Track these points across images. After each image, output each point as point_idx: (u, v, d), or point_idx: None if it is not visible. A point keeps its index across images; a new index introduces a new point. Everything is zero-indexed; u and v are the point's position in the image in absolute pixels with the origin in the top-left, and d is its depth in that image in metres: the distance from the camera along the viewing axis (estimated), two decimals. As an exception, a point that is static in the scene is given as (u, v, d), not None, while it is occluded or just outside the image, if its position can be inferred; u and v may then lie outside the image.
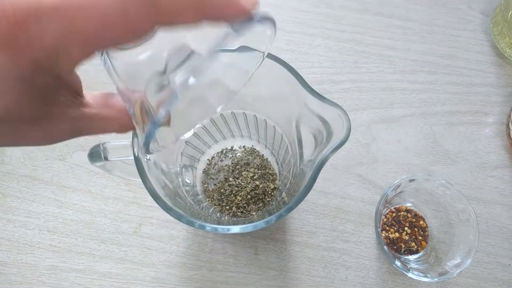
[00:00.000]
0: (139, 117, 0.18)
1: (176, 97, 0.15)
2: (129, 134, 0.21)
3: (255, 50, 0.19)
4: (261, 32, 0.17)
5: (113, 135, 0.19)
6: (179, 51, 0.16)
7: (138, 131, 0.19)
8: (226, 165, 0.40)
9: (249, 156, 0.40)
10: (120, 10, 0.13)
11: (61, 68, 0.15)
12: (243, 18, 0.15)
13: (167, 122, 0.19)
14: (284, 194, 0.36)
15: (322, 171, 0.26)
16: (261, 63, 0.20)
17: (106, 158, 0.29)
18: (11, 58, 0.13)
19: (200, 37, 0.16)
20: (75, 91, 0.17)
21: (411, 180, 0.37)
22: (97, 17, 0.13)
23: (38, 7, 0.13)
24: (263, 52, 0.19)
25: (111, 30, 0.14)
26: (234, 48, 0.19)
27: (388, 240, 0.38)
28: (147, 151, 0.18)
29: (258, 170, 0.39)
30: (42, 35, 0.13)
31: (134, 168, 0.26)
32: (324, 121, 0.27)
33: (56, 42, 0.13)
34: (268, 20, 0.16)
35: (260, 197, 0.38)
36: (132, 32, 0.14)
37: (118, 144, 0.29)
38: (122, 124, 0.19)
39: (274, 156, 0.40)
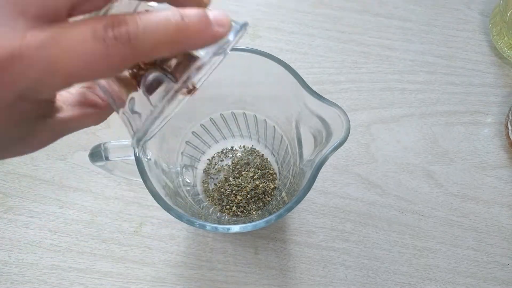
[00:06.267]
0: (128, 112, 0.18)
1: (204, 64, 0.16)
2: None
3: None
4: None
5: (113, 134, 0.20)
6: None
7: (126, 122, 0.19)
8: (226, 164, 0.40)
9: (249, 156, 0.41)
10: (103, 55, 0.14)
11: (42, 96, 0.15)
12: (218, 41, 0.16)
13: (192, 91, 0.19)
14: (284, 194, 0.36)
15: (321, 171, 0.26)
16: (224, 58, 0.20)
17: (107, 158, 0.29)
18: None
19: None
20: (50, 101, 0.18)
21: None
22: (80, 60, 0.14)
23: (21, 48, 0.13)
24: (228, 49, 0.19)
25: (94, 70, 0.14)
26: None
27: None
28: (139, 141, 0.19)
29: (258, 170, 0.39)
30: (25, 72, 0.14)
31: (135, 168, 0.26)
32: (323, 121, 0.28)
33: (39, 77, 0.14)
34: (243, 26, 0.17)
35: (260, 197, 0.38)
36: (113, 71, 0.15)
37: (119, 144, 0.29)
38: (97, 119, 0.20)
39: (274, 156, 0.40)
